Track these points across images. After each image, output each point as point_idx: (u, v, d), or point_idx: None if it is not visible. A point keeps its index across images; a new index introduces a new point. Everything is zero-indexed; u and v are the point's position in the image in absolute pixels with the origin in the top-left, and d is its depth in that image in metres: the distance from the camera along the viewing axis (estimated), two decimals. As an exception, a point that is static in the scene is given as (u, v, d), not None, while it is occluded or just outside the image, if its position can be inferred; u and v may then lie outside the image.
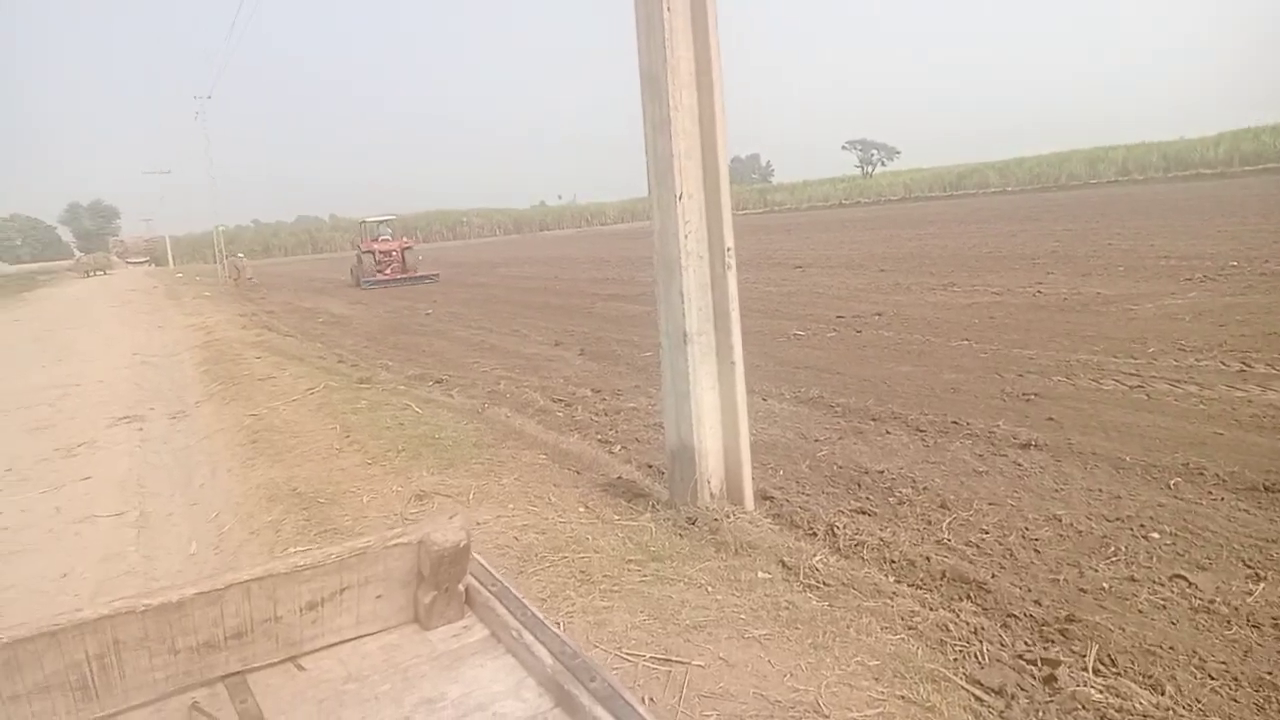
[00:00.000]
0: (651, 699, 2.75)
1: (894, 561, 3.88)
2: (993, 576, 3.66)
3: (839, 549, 4.04)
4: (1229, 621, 3.18)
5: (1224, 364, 6.90)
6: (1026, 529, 4.17)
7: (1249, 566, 3.61)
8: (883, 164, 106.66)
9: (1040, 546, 3.97)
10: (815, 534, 4.26)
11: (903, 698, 2.70)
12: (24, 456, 7.45)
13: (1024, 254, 16.84)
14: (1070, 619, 3.23)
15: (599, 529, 4.34)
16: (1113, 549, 3.86)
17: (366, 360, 11.59)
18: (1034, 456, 5.16)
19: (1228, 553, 3.74)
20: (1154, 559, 3.75)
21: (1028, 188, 62.77)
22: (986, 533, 4.16)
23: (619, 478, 5.28)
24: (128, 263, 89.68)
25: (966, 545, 4.04)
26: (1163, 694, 2.73)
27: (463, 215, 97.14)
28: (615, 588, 3.61)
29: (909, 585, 3.63)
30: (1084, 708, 2.65)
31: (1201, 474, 4.62)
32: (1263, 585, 3.42)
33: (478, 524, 4.38)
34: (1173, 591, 3.44)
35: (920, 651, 3.00)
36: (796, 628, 3.17)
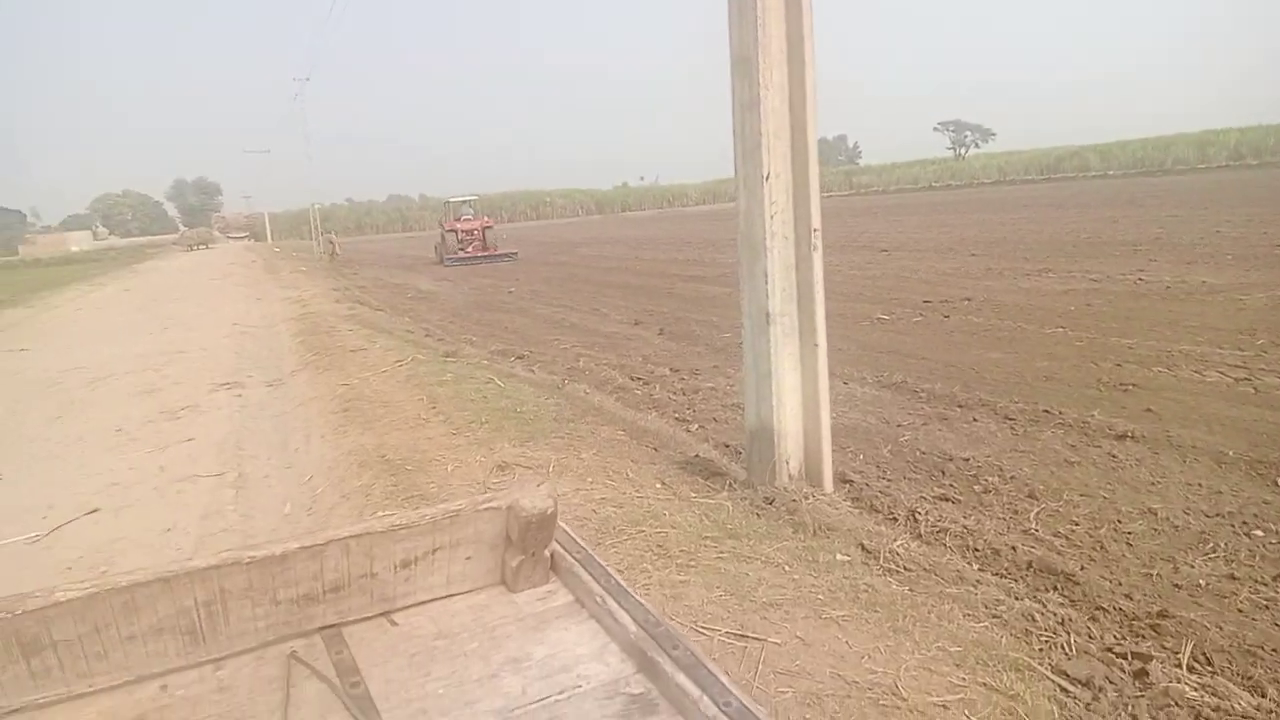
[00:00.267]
0: (727, 673, 2.77)
1: (978, 550, 3.80)
2: (1082, 568, 3.55)
3: (920, 535, 3.98)
4: (1339, 626, 3.02)
5: (1343, 358, 6.49)
6: (1119, 522, 4.02)
7: (1364, 570, 3.41)
8: (976, 146, 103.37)
9: (1133, 540, 3.83)
10: (896, 519, 4.19)
11: (985, 685, 2.65)
12: (133, 418, 7.89)
13: (1125, 240, 16.10)
14: (1163, 614, 3.12)
15: (676, 505, 4.37)
16: (1211, 545, 3.70)
17: (452, 335, 11.87)
18: (1129, 448, 4.97)
19: (1340, 555, 3.54)
20: (1256, 557, 3.58)
21: (1130, 172, 59.78)
22: (1076, 524, 4.03)
23: (696, 456, 5.29)
24: (228, 237, 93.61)
25: (1055, 536, 3.92)
26: (1264, 696, 2.61)
27: (546, 195, 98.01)
28: (692, 563, 3.63)
29: (993, 574, 3.56)
30: (1177, 704, 2.56)
31: (1313, 472, 4.38)
32: (1379, 590, 3.23)
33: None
34: (1276, 592, 3.28)
35: (1004, 640, 2.94)
36: (875, 610, 3.14)
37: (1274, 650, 2.86)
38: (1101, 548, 3.78)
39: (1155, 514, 4.06)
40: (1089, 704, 2.60)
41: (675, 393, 7.26)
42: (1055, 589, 3.41)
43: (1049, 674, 2.75)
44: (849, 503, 4.40)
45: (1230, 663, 2.80)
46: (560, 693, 1.13)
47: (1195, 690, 2.63)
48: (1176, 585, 3.41)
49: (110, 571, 1.14)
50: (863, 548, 3.73)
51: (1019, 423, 5.59)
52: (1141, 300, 9.76)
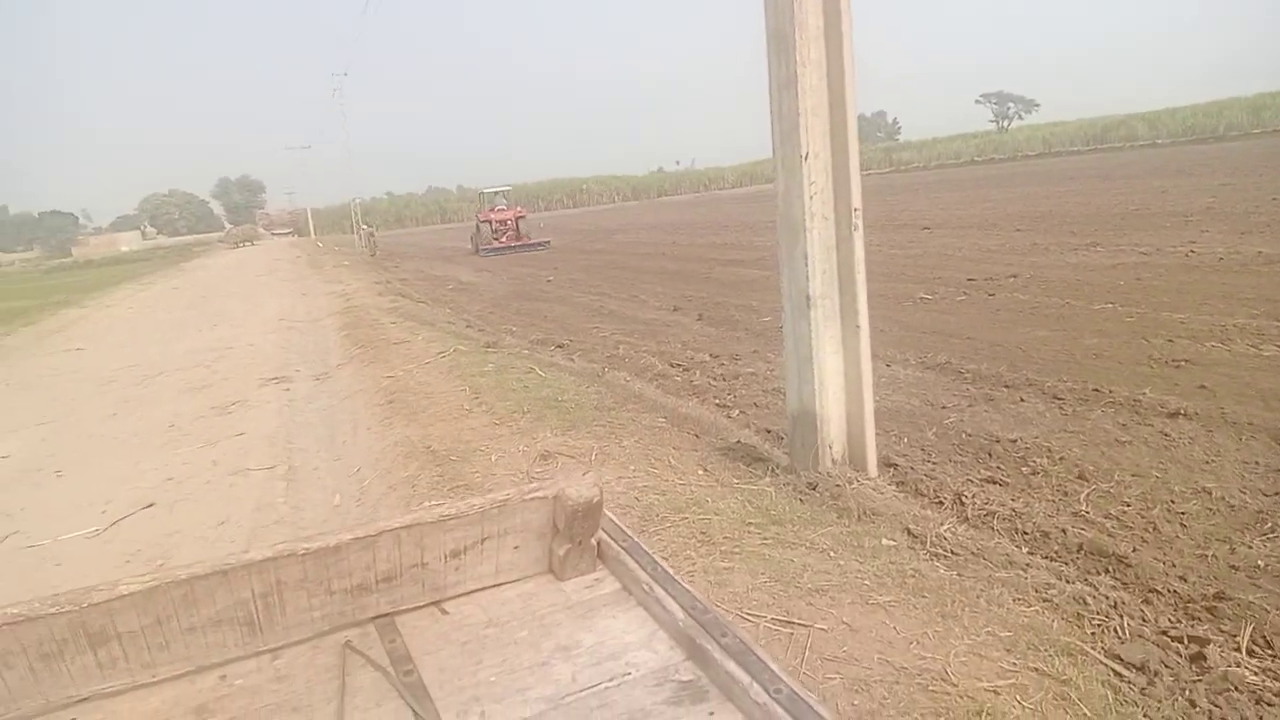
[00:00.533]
0: (776, 659, 2.76)
1: (1027, 533, 3.74)
2: (1134, 550, 3.48)
3: (968, 518, 3.93)
4: None
5: None
6: (1172, 502, 3.93)
7: None
8: (1020, 118, 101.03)
9: (1187, 521, 3.75)
10: (942, 502, 4.14)
11: (1036, 670, 2.61)
12: (184, 414, 8.09)
13: (1175, 211, 15.65)
14: (1220, 597, 3.05)
15: (718, 492, 4.36)
16: (1270, 525, 3.60)
17: (492, 325, 11.96)
18: (1183, 426, 4.85)
19: None
20: (1320, 538, 3.47)
21: (1180, 140, 57.99)
22: (1128, 505, 3.95)
23: (738, 442, 5.28)
24: (273, 234, 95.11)
25: (1106, 518, 3.85)
26: (1328, 681, 2.54)
27: (582, 183, 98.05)
28: (736, 549, 3.63)
29: (1043, 557, 3.50)
30: (1237, 689, 2.50)
31: (1379, 448, 4.23)
32: None
33: (600, 484, 4.47)
34: (1342, 573, 3.19)
35: (1055, 624, 2.89)
36: (923, 596, 3.11)
37: (1339, 633, 2.78)
38: (1154, 529, 3.70)
39: (1210, 494, 3.96)
40: (1144, 689, 2.55)
41: (715, 378, 7.24)
42: (1107, 572, 3.35)
43: (1102, 658, 2.70)
44: (894, 487, 4.36)
45: (1293, 646, 2.73)
46: (610, 680, 1.14)
47: (1256, 674, 2.57)
48: (1233, 567, 3.32)
49: (167, 565, 1.17)
50: (909, 532, 3.69)
51: (1068, 402, 5.48)
52: (1193, 273, 9.49)
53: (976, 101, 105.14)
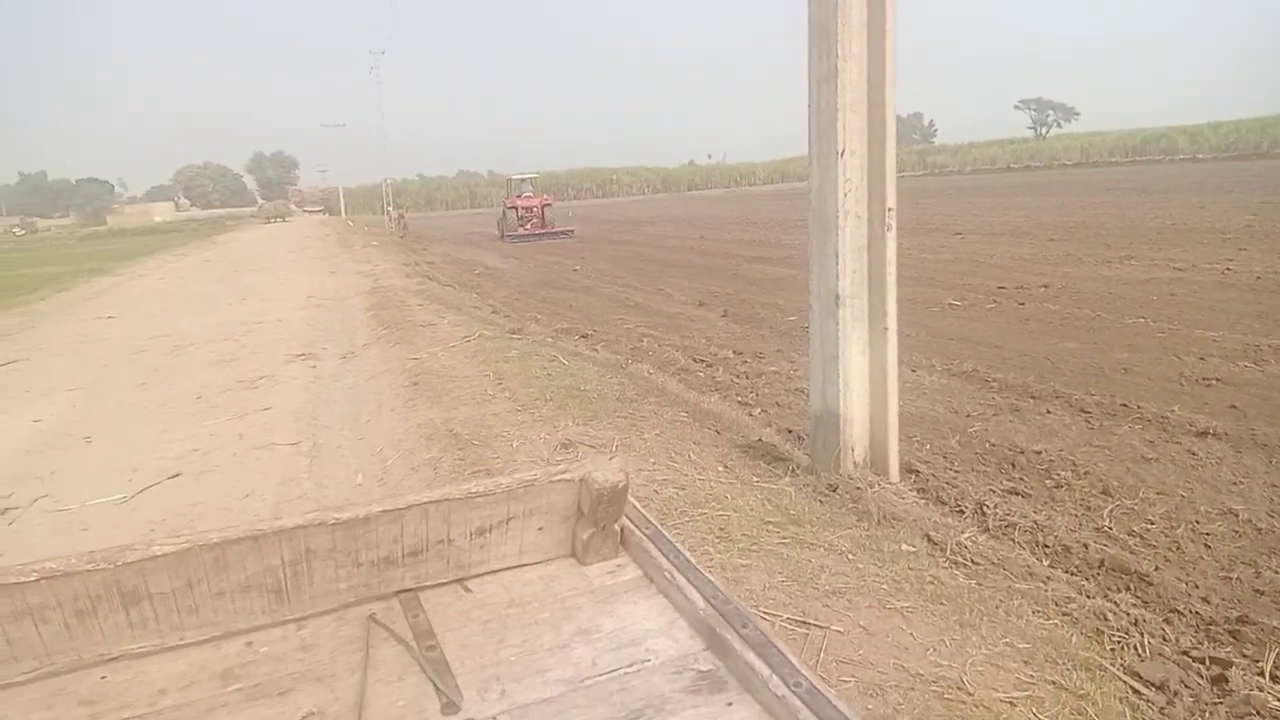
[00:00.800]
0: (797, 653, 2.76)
1: (1048, 546, 3.71)
2: (1156, 569, 3.44)
3: (988, 528, 3.90)
4: None
5: None
6: (1197, 522, 3.88)
7: None
8: (1058, 125, 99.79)
9: (1212, 542, 3.70)
10: (963, 511, 4.11)
11: (1054, 683, 2.59)
12: (212, 386, 8.18)
13: (1213, 227, 15.39)
14: (1243, 620, 3.01)
15: (738, 489, 4.36)
16: (1299, 551, 3.54)
17: (517, 312, 12.00)
18: (1211, 445, 4.78)
19: None
20: (1350, 566, 3.41)
21: (1222, 155, 57.04)
22: (1152, 523, 3.90)
23: (758, 440, 5.26)
24: (304, 211, 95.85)
25: (1129, 535, 3.80)
26: (1353, 711, 2.50)
27: (613, 173, 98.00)
28: (754, 547, 3.62)
29: (1064, 571, 3.47)
30: (1259, 714, 2.47)
31: None
32: None
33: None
34: (1371, 602, 3.13)
35: (1074, 638, 2.87)
36: (941, 603, 3.10)
37: (1365, 663, 2.73)
38: (1178, 548, 3.65)
39: (1236, 515, 3.90)
40: (1163, 708, 2.52)
41: (738, 375, 7.22)
42: (1128, 589, 3.31)
43: (1121, 675, 2.68)
44: (915, 493, 4.33)
45: (1317, 674, 2.69)
46: (630, 665, 1.14)
47: (1279, 700, 2.53)
48: (1258, 590, 3.28)
49: (185, 532, 1.19)
50: (929, 539, 3.67)
51: (1095, 416, 5.42)
52: (1229, 291, 9.34)
53: (1015, 107, 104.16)
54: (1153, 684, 2.62)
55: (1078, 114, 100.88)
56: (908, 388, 5.99)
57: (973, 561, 3.46)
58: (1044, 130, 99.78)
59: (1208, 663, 2.76)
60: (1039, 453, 4.82)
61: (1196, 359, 6.63)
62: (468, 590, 1.36)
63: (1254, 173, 34.31)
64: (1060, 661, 2.71)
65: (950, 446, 5.07)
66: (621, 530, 1.45)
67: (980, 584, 3.27)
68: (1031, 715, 2.44)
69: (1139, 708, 2.51)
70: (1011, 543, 3.74)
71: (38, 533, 4.66)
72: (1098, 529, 3.88)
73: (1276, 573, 3.39)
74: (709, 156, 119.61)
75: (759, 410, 6.12)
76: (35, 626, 1.08)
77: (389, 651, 1.19)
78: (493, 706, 1.07)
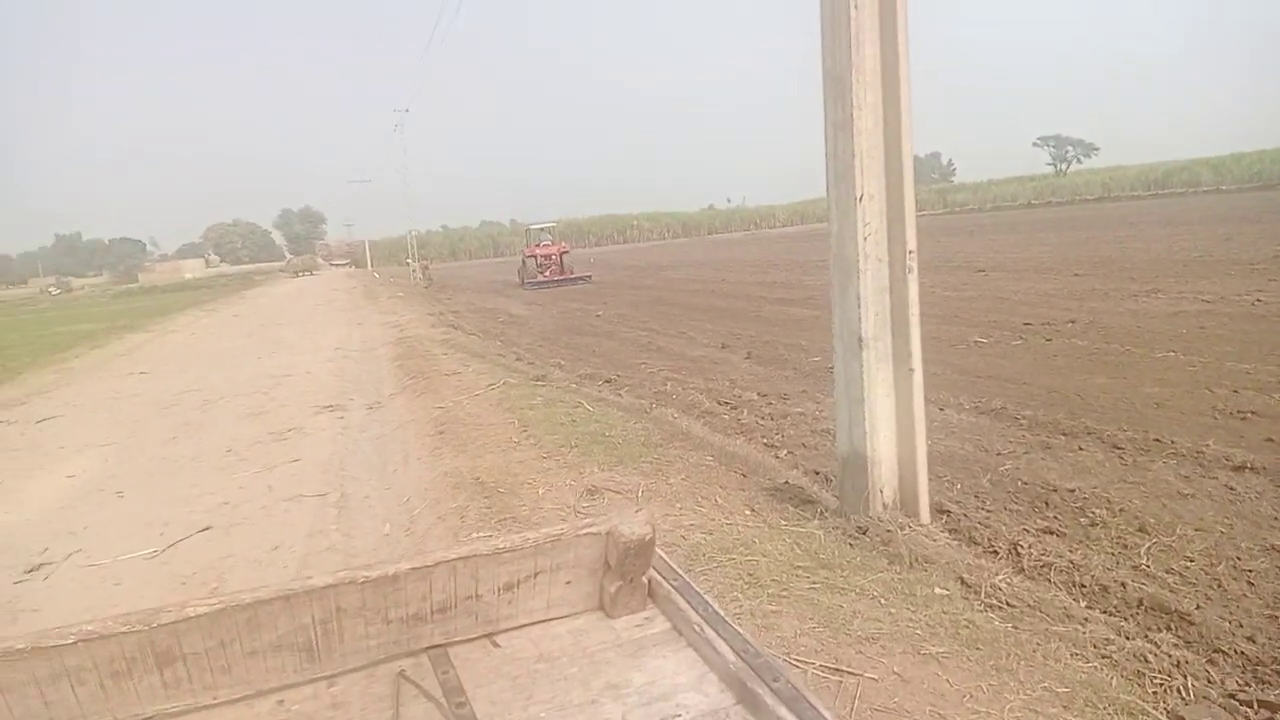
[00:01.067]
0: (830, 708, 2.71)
1: (1085, 586, 3.63)
2: (1197, 608, 3.36)
3: (1023, 569, 3.82)
4: None
5: None
6: (1238, 559, 3.78)
7: None
8: (1078, 161, 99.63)
9: (1254, 579, 3.60)
10: (997, 552, 4.04)
11: (1095, 730, 2.52)
12: (242, 439, 8.28)
13: (1240, 259, 15.23)
14: (1294, 662, 2.91)
15: (766, 533, 4.32)
16: (1348, 588, 3.44)
17: (541, 359, 12.06)
18: (1249, 480, 4.68)
19: None
20: (1401, 603, 3.31)
21: (1246, 186, 56.54)
22: (1191, 560, 3.81)
23: (786, 483, 5.22)
24: (331, 264, 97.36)
25: (1168, 573, 3.71)
26: None
27: (633, 219, 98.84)
28: (784, 593, 3.58)
29: (1101, 611, 3.39)
30: (1312, 761, 2.38)
31: None
32: None
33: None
34: None
35: (1115, 681, 2.79)
36: (977, 648, 3.03)
37: None
38: (1219, 586, 3.56)
39: (1279, 551, 3.80)
40: (1212, 755, 2.44)
41: (763, 418, 7.19)
42: (1169, 629, 3.23)
43: (1165, 719, 2.60)
44: (947, 534, 4.27)
45: (1373, 716, 2.60)
46: None
47: (1333, 745, 2.45)
48: (1308, 630, 3.18)
49: (221, 588, 1.20)
50: (962, 581, 3.61)
51: (1128, 452, 5.33)
52: (1259, 323, 9.21)
53: (1034, 144, 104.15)
54: (1200, 729, 2.55)
55: (1097, 149, 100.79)
56: (936, 426, 5.93)
57: (1008, 604, 3.39)
58: (1064, 166, 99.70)
59: (1256, 706, 2.67)
60: (1072, 490, 4.74)
61: (1230, 392, 6.52)
62: (496, 645, 1.36)
63: (1280, 202, 34.01)
64: (1101, 705, 2.64)
65: (981, 486, 5.00)
66: (649, 582, 1.45)
67: (1016, 627, 3.20)
68: (1075, 764, 2.38)
69: (1187, 755, 2.44)
70: (1047, 583, 3.67)
71: (71, 588, 4.71)
72: (1135, 567, 3.79)
73: (1325, 611, 3.29)
74: (729, 200, 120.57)
75: (785, 452, 6.08)
76: (72, 688, 1.09)
77: (419, 709, 1.19)
78: None
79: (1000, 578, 3.61)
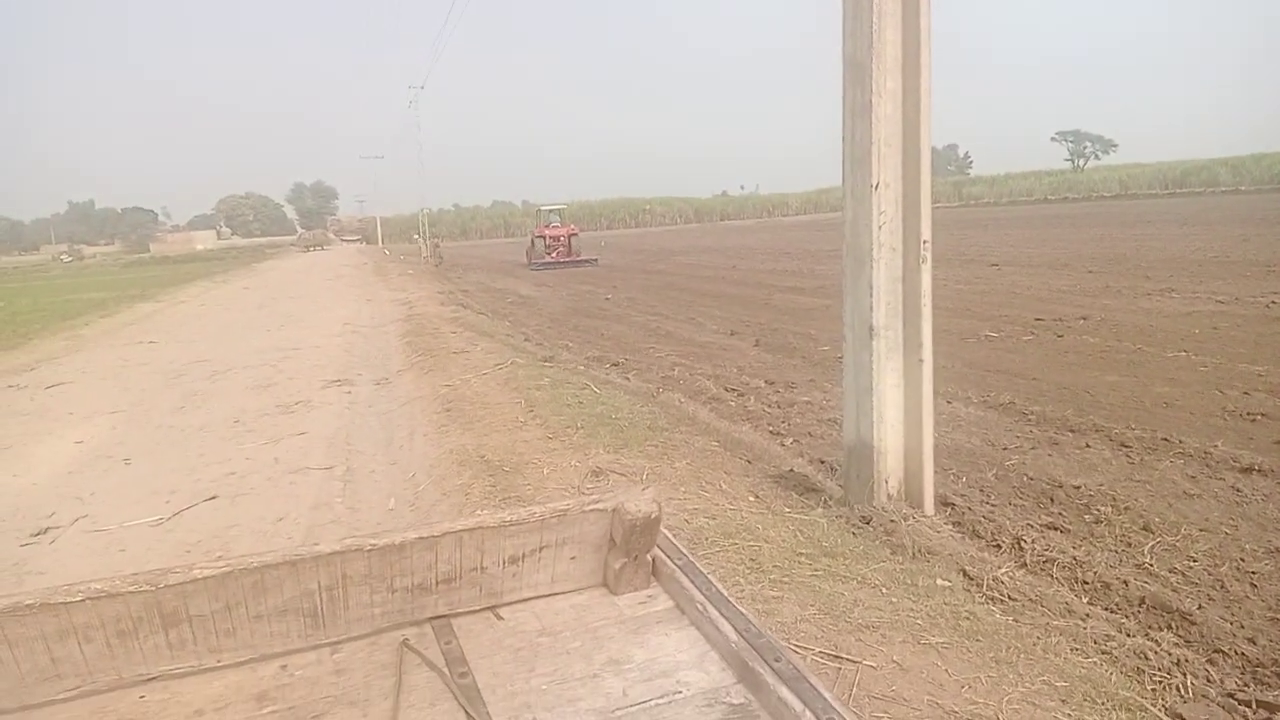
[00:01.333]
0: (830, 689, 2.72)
1: (1087, 582, 3.62)
2: (1199, 608, 3.35)
3: (1026, 564, 3.82)
4: None
5: None
6: (1242, 560, 3.77)
7: None
8: (1096, 157, 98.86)
9: (1258, 581, 3.59)
10: (1000, 546, 4.04)
11: (1093, 725, 2.52)
12: (250, 410, 8.31)
13: (1256, 260, 15.11)
14: (1296, 664, 2.90)
15: (769, 519, 4.32)
16: (1353, 593, 3.43)
17: (549, 340, 12.07)
18: (1256, 482, 4.66)
19: None
20: (1406, 609, 3.29)
21: (1265, 187, 55.99)
22: (1195, 560, 3.80)
23: (790, 470, 5.22)
24: (342, 240, 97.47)
25: (1171, 572, 3.70)
26: None
27: (645, 203, 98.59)
28: (785, 579, 3.58)
29: (1103, 608, 3.39)
30: (1310, 763, 2.38)
31: None
32: None
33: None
34: None
35: (1114, 677, 2.79)
36: (977, 639, 3.03)
37: None
38: (1222, 587, 3.55)
39: (1285, 554, 3.79)
40: (1210, 754, 2.44)
41: (770, 405, 7.18)
42: (1170, 628, 3.23)
43: (1163, 716, 2.60)
44: (950, 526, 4.26)
45: (1373, 721, 2.59)
46: (661, 697, 1.14)
47: (1332, 748, 2.44)
48: (1311, 633, 3.17)
49: (227, 555, 1.20)
50: (964, 574, 3.60)
51: (1135, 450, 5.31)
52: (1274, 325, 9.14)
53: (1052, 139, 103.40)
54: (1199, 728, 2.54)
55: (1116, 146, 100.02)
56: (943, 419, 5.92)
57: (1010, 597, 3.39)
58: (1082, 162, 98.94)
59: (1254, 706, 2.67)
60: (1078, 487, 4.73)
61: (1240, 394, 6.48)
62: (500, 618, 1.37)
63: (1299, 205, 33.69)
64: (1099, 701, 2.64)
65: (987, 479, 4.99)
66: (654, 561, 1.45)
67: (1017, 620, 3.20)
68: (1072, 757, 2.38)
69: (1184, 752, 2.44)
70: (1050, 579, 3.66)
71: (76, 552, 4.74)
72: (1138, 566, 3.78)
73: (1328, 615, 3.28)
74: (742, 187, 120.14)
75: (791, 440, 6.08)
76: (79, 645, 1.10)
77: (421, 678, 1.19)
78: None
79: (1003, 571, 3.61)
